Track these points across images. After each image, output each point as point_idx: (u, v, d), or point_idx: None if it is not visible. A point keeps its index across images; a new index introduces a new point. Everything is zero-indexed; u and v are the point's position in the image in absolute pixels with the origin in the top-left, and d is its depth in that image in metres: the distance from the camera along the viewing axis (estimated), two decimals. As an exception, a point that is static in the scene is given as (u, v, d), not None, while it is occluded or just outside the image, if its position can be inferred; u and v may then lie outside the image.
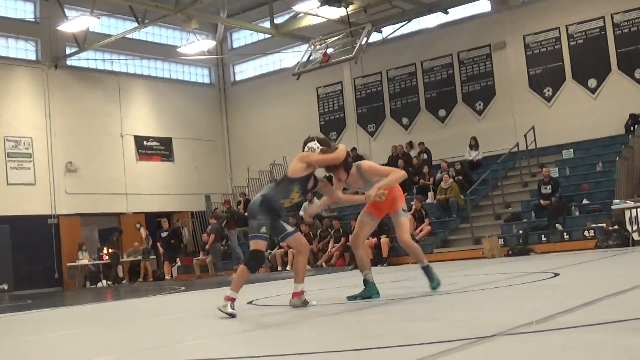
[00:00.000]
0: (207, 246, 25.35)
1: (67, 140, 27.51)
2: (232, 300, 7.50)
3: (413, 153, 26.51)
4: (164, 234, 26.25)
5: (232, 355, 5.01)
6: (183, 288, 18.02)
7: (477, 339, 4.49)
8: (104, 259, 26.94)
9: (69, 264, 26.69)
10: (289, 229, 8.03)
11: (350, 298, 8.18)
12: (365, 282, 8.26)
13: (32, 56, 27.73)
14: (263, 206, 7.74)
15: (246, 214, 8.11)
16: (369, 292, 8.19)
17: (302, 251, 8.10)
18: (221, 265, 25.12)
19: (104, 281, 26.14)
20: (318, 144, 8.15)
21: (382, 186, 7.88)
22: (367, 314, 6.89)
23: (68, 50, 28.02)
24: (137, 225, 27.28)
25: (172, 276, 25.54)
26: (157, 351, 5.59)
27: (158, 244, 26.61)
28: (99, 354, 5.75)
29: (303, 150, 8.20)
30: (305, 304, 7.89)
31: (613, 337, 4.11)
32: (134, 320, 9.46)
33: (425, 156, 26.01)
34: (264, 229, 7.70)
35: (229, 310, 7.43)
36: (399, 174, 8.31)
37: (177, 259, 26.48)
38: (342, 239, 21.89)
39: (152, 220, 29.71)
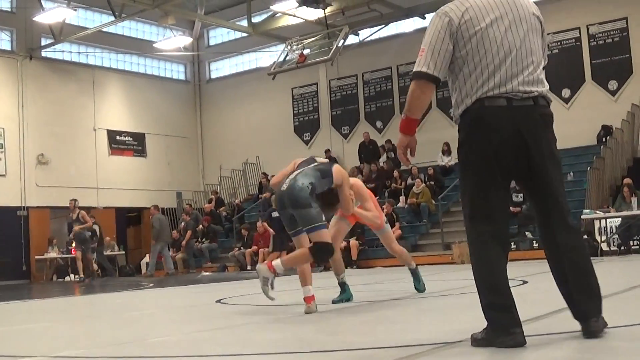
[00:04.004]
0: (183, 243, 25.36)
1: (40, 132, 27.32)
2: (276, 274, 6.82)
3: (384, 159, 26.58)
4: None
5: (199, 354, 5.01)
6: (152, 284, 17.96)
7: (444, 344, 4.52)
8: (73, 252, 26.73)
9: (37, 257, 26.49)
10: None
11: (335, 301, 8.10)
12: (343, 284, 8.28)
13: (6, 46, 27.53)
14: (313, 194, 7.05)
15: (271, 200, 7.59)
16: (348, 295, 8.21)
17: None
18: (194, 263, 25.07)
19: (72, 275, 25.96)
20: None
21: (358, 212, 8.16)
22: (336, 316, 6.91)
23: (43, 42, 27.83)
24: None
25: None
26: (124, 346, 5.57)
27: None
28: (66, 347, 5.73)
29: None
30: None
31: (580, 345, 4.14)
32: (103, 315, 9.42)
33: (392, 154, 26.01)
34: (323, 217, 7.13)
35: (264, 287, 6.87)
36: (376, 218, 8.41)
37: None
38: (313, 240, 21.86)
39: (122, 215, 29.59)
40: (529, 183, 4.27)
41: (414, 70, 4.31)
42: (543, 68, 4.36)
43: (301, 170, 7.22)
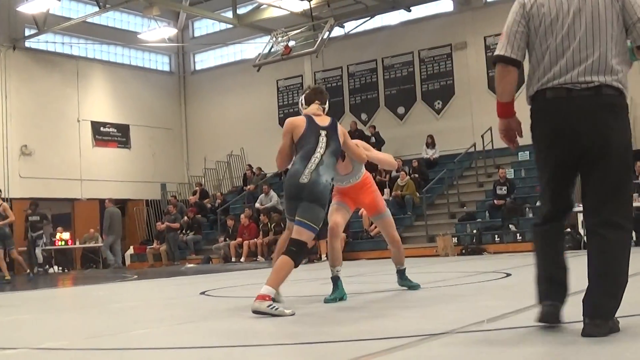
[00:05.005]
0: (177, 225, 25.40)
1: (23, 123, 27.16)
2: (272, 299, 6.11)
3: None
4: None
5: (183, 346, 5.00)
6: (135, 276, 17.93)
7: (429, 335, 4.53)
8: (56, 244, 26.60)
9: (20, 249, 26.31)
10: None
11: (328, 300, 7.32)
12: (336, 279, 7.52)
13: (-11, 37, 27.38)
14: (331, 191, 6.70)
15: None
16: (341, 293, 7.49)
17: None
18: (177, 255, 25.00)
19: (55, 267, 25.86)
20: (303, 102, 7.31)
21: (372, 157, 7.73)
22: (321, 307, 6.90)
23: (27, 32, 27.63)
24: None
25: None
26: (107, 338, 5.55)
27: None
28: (50, 339, 5.70)
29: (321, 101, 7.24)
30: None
31: (562, 338, 4.16)
32: (85, 307, 9.40)
33: (373, 139, 26.03)
34: (321, 224, 6.66)
35: (276, 310, 6.03)
36: (391, 159, 8.18)
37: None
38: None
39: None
40: (585, 176, 4.33)
41: (494, 54, 4.44)
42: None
43: (321, 159, 6.67)
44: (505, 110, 4.51)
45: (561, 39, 4.23)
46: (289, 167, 6.99)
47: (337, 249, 7.70)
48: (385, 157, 8.21)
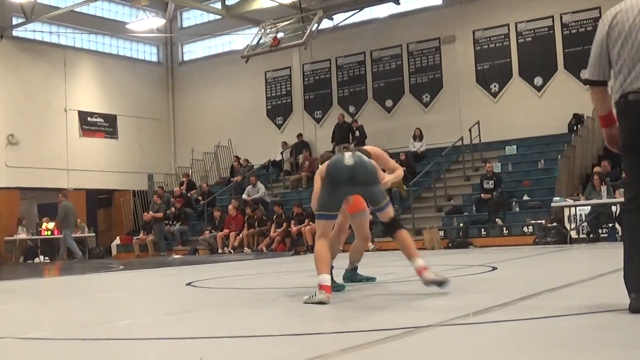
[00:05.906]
0: (170, 213, 25.38)
1: (10, 112, 27.04)
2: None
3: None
4: None
5: (168, 336, 4.99)
6: (121, 267, 17.89)
7: (414, 328, 4.53)
8: (42, 234, 26.53)
9: (6, 238, 26.28)
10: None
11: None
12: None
13: (-24, 25, 27.24)
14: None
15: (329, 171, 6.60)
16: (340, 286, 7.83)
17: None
18: (164, 246, 24.91)
19: (41, 257, 25.79)
20: None
21: (389, 181, 7.62)
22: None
23: (14, 21, 27.50)
24: None
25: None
26: (91, 329, 5.54)
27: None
28: (33, 329, 5.69)
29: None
30: None
31: (547, 332, 4.17)
32: (70, 297, 9.37)
33: (358, 133, 26.02)
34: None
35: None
36: (401, 170, 8.03)
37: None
38: (284, 224, 21.93)
39: (94, 197, 29.44)
40: None
41: (584, 78, 5.03)
42: None
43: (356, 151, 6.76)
44: (606, 121, 4.93)
45: (635, 49, 4.62)
46: (324, 165, 6.95)
47: (338, 244, 7.98)
48: (399, 175, 7.93)
